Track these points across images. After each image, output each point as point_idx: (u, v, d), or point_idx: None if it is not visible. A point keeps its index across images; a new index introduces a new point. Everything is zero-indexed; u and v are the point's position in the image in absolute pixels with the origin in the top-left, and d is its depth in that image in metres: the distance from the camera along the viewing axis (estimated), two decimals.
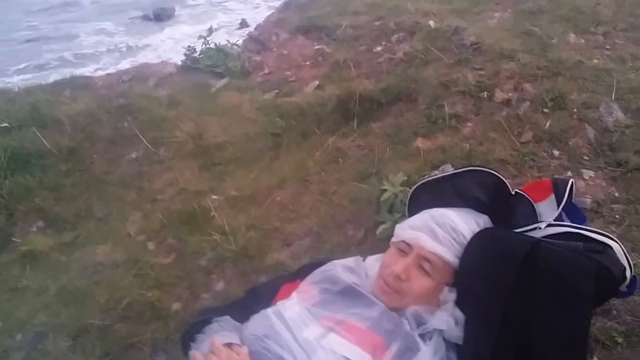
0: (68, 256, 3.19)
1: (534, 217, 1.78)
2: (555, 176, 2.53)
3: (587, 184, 2.57)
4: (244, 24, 13.17)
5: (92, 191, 3.56)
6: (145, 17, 15.10)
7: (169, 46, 12.34)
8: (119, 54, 12.34)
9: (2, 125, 4.10)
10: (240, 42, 5.08)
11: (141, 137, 3.76)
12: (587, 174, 2.63)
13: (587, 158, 2.72)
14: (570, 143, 2.80)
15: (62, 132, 3.94)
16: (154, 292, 2.74)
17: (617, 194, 2.50)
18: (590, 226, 1.71)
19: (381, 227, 2.55)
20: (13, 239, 3.44)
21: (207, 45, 4.65)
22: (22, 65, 11.70)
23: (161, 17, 14.93)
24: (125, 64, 9.48)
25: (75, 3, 16.75)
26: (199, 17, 14.89)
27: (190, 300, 2.68)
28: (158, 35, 13.66)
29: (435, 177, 1.98)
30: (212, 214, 3.03)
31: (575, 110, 2.94)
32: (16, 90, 4.87)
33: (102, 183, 3.60)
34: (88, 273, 3.00)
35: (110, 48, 12.78)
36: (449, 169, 2.58)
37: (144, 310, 2.68)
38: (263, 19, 5.86)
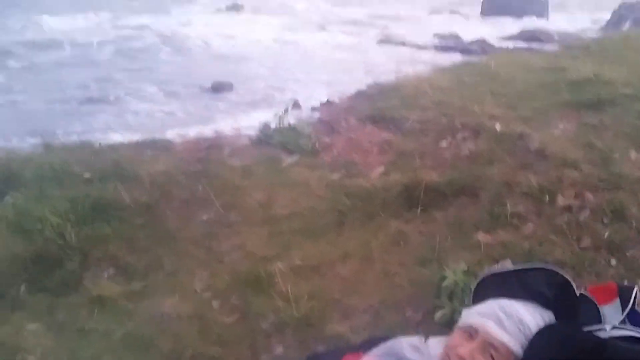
0: (135, 304, 3.34)
1: (598, 319, 1.87)
2: (620, 282, 2.62)
3: None
4: (296, 105, 13.69)
5: (164, 246, 3.77)
6: (203, 89, 15.85)
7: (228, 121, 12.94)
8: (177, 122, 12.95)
9: (85, 176, 4.41)
10: (311, 122, 5.39)
11: (214, 201, 4.00)
12: None
13: None
14: (627, 254, 2.91)
15: (141, 188, 4.21)
16: (216, 348, 2.87)
17: None
18: None
19: (440, 312, 2.67)
20: (84, 282, 3.62)
21: (282, 123, 4.97)
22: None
23: (219, 90, 15.65)
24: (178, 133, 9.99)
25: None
26: (254, 94, 15.62)
27: None
28: (216, 108, 14.34)
29: (502, 269, 2.11)
30: (277, 279, 3.18)
31: (634, 223, 3.07)
32: (99, 146, 5.24)
33: (174, 239, 3.81)
34: (154, 322, 3.14)
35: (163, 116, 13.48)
36: (508, 264, 2.71)
37: None
38: (320, 103, 6.26)
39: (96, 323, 3.25)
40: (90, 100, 14.27)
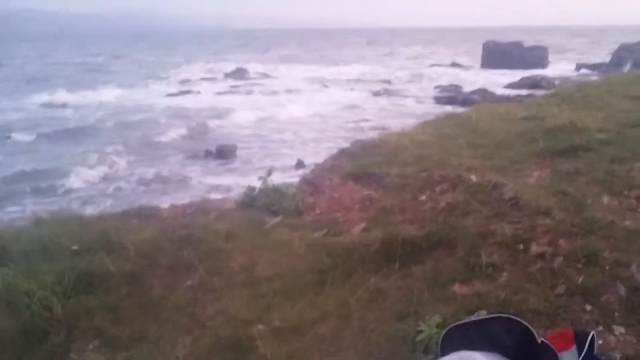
0: None
1: None
2: (577, 328, 2.64)
3: (618, 340, 2.67)
4: (300, 164, 14.04)
5: (148, 314, 3.79)
6: (208, 154, 16.23)
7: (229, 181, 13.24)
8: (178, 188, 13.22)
9: (73, 248, 4.48)
10: (295, 183, 5.48)
11: (198, 266, 4.04)
12: (618, 330, 2.73)
13: (618, 314, 2.83)
14: (602, 299, 2.93)
15: (126, 257, 4.27)
16: None
17: None
18: None
19: None
20: (70, 355, 3.64)
21: (266, 185, 5.06)
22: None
23: (224, 154, 16.01)
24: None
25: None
26: (256, 155, 16.02)
27: None
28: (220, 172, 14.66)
29: (466, 321, 2.16)
30: (257, 342, 3.20)
31: (607, 267, 3.10)
32: (88, 216, 5.32)
33: (158, 307, 3.84)
34: None
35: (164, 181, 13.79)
36: (483, 315, 2.74)
37: None
38: (315, 162, 6.40)
39: None
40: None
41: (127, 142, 17.87)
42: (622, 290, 2.96)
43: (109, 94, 30.08)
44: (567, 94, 9.00)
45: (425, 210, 4.23)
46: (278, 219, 4.62)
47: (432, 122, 7.58)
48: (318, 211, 4.78)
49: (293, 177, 6.43)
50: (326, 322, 3.29)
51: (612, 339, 2.68)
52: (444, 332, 2.18)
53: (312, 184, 5.36)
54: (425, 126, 6.96)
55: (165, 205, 5.47)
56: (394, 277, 3.55)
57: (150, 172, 14.59)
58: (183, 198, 10.75)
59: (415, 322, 2.97)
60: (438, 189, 4.48)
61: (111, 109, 25.37)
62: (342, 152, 6.12)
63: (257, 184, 5.24)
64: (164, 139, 18.53)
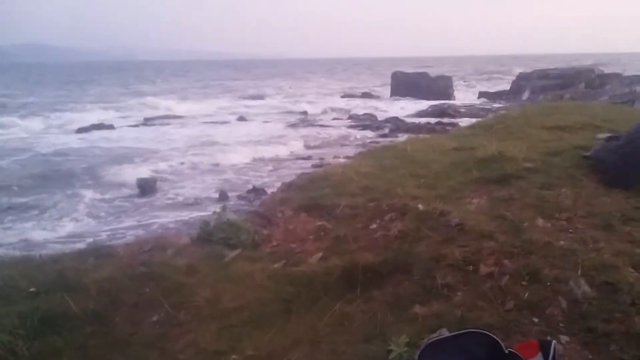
0: None
1: None
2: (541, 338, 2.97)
3: (565, 348, 3.02)
4: (223, 195, 14.10)
5: (117, 352, 3.82)
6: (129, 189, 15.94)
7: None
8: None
9: (30, 290, 4.44)
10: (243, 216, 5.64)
11: (163, 302, 4.13)
12: (564, 339, 3.09)
13: (562, 325, 3.19)
14: (547, 311, 3.30)
15: (87, 296, 4.28)
16: None
17: (590, 357, 2.93)
18: None
19: None
20: None
21: (220, 220, 5.20)
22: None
23: (144, 189, 15.76)
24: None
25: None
26: (178, 189, 15.95)
27: None
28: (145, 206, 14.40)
29: (440, 337, 2.44)
30: None
31: (548, 283, 3.49)
32: (40, 258, 5.26)
33: (126, 344, 3.88)
34: None
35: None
36: (444, 333, 3.02)
37: None
38: (247, 191, 6.53)
39: None
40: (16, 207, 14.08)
41: (39, 189, 17.07)
42: (563, 303, 3.34)
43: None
44: (489, 125, 9.68)
45: (378, 238, 4.53)
46: (237, 252, 4.77)
47: (370, 153, 7.98)
48: (275, 243, 4.97)
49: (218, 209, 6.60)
50: (298, 348, 3.47)
51: (559, 347, 3.02)
52: (421, 348, 2.45)
53: (264, 216, 5.55)
54: (365, 158, 7.34)
55: (120, 242, 5.48)
56: (357, 302, 3.79)
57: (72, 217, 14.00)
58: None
59: (383, 342, 3.21)
60: (387, 217, 4.80)
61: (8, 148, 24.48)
62: (289, 186, 6.36)
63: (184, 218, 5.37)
64: (81, 183, 17.88)
